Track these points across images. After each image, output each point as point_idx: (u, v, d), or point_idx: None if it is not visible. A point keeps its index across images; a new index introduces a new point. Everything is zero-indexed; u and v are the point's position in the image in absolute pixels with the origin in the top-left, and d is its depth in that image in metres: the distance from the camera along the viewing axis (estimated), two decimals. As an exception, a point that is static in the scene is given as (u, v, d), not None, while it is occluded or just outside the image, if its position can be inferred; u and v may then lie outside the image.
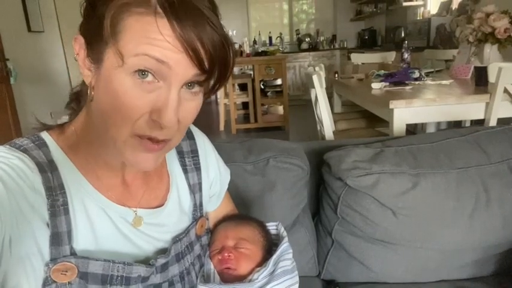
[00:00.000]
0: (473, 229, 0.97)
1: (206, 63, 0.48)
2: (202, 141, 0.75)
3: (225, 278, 0.66)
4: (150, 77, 0.47)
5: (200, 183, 0.71)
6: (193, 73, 0.48)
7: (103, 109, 0.50)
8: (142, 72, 0.47)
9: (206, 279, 0.67)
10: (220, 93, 5.10)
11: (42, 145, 0.55)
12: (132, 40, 0.46)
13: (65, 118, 0.63)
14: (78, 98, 0.61)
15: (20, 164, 0.49)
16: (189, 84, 0.50)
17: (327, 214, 1.07)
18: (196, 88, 0.51)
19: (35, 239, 0.50)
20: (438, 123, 2.87)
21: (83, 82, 0.58)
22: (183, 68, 0.47)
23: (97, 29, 0.47)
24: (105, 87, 0.49)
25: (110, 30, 0.46)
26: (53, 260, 0.51)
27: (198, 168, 0.71)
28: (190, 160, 0.71)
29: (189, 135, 0.73)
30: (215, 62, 0.49)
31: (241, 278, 0.65)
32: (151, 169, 0.55)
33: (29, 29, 4.14)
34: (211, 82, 0.52)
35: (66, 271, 0.51)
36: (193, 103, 0.52)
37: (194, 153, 0.72)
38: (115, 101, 0.48)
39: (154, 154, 0.53)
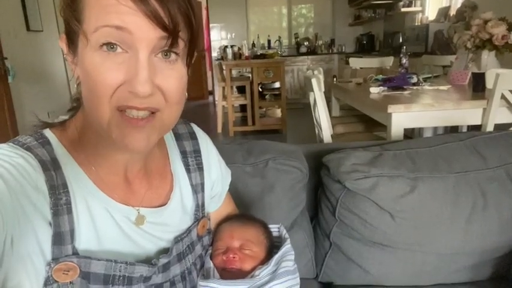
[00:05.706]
0: (470, 233, 0.97)
1: (167, 21, 0.47)
2: (205, 142, 0.75)
3: (225, 276, 0.66)
4: (118, 49, 0.47)
5: (203, 184, 0.71)
6: (157, 35, 0.47)
7: (85, 95, 0.51)
8: (110, 46, 0.47)
9: (206, 276, 0.67)
10: (218, 95, 5.11)
11: (46, 143, 0.55)
12: (92, 16, 0.47)
13: (62, 118, 0.62)
14: (80, 98, 0.61)
15: (23, 163, 0.49)
16: (166, 54, 0.50)
17: (325, 217, 1.07)
18: (173, 56, 0.50)
19: (36, 238, 0.49)
20: (435, 128, 2.89)
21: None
22: (145, 31, 0.47)
23: (67, 20, 0.50)
24: (81, 71, 0.50)
25: (72, 14, 0.48)
26: (55, 259, 0.51)
27: (200, 169, 0.71)
28: (193, 160, 0.71)
29: (192, 136, 0.73)
30: (177, 20, 0.48)
31: (242, 277, 0.65)
32: (143, 150, 0.52)
33: (28, 28, 4.12)
34: (181, 44, 0.50)
35: (68, 271, 0.51)
36: (172, 72, 0.51)
37: (197, 153, 0.72)
38: (90, 80, 0.48)
39: (143, 132, 0.51)
